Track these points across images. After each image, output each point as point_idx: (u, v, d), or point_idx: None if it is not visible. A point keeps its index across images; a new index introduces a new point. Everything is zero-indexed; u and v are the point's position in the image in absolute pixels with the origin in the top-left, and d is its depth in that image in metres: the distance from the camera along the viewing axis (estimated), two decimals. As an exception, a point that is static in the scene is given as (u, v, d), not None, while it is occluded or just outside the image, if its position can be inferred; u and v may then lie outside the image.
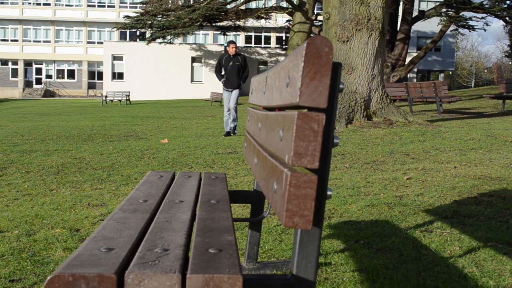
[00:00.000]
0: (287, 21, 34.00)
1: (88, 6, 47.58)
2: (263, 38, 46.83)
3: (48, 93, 47.97)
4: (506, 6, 24.25)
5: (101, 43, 44.13)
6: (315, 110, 0.99)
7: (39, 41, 47.66)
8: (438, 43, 29.88)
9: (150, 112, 18.97)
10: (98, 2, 47.73)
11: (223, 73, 9.40)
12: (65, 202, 3.76)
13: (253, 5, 35.48)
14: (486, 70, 73.26)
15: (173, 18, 27.12)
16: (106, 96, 31.50)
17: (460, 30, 27.76)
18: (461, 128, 8.70)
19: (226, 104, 9.49)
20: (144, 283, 0.86)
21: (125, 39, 45.89)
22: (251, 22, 33.99)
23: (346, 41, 9.00)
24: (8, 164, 5.69)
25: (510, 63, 64.80)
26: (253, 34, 46.32)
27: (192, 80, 38.94)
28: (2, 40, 47.48)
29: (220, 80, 9.49)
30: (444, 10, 24.07)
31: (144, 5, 30.43)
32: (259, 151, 1.48)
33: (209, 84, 37.98)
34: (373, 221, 3.09)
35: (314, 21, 24.33)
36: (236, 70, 9.37)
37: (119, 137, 8.99)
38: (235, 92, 9.43)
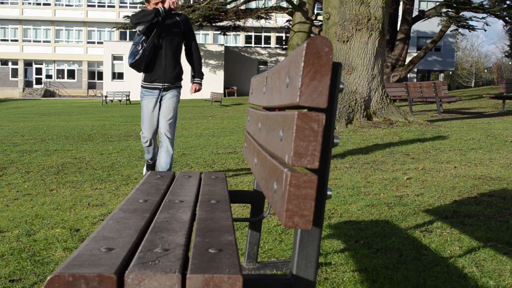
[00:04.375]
0: (287, 21, 34.00)
1: (88, 6, 47.57)
2: (263, 38, 46.84)
3: (48, 93, 47.97)
4: (506, 6, 24.25)
5: (101, 43, 44.13)
6: (315, 110, 0.99)
7: (39, 41, 47.66)
8: (438, 43, 29.91)
9: (150, 112, 18.93)
10: (98, 2, 47.73)
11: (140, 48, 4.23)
12: (65, 202, 3.76)
13: (253, 5, 35.50)
14: (486, 70, 73.22)
15: (173, 18, 27.08)
16: (106, 96, 31.51)
17: (460, 30, 27.77)
18: (461, 128, 8.69)
19: (147, 120, 4.57)
20: (144, 283, 0.86)
21: (125, 39, 45.89)
22: (251, 22, 33.97)
23: (346, 41, 9.00)
24: (8, 164, 5.69)
25: (510, 63, 64.79)
26: (253, 34, 46.32)
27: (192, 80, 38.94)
28: (2, 40, 47.48)
29: (133, 57, 4.28)
30: (444, 10, 24.08)
31: (144, 5, 30.43)
32: (259, 151, 1.48)
33: (209, 84, 37.98)
34: (373, 221, 3.09)
35: (314, 21, 24.33)
36: (173, 43, 4.34)
37: (119, 137, 8.98)
38: (171, 99, 4.41)
